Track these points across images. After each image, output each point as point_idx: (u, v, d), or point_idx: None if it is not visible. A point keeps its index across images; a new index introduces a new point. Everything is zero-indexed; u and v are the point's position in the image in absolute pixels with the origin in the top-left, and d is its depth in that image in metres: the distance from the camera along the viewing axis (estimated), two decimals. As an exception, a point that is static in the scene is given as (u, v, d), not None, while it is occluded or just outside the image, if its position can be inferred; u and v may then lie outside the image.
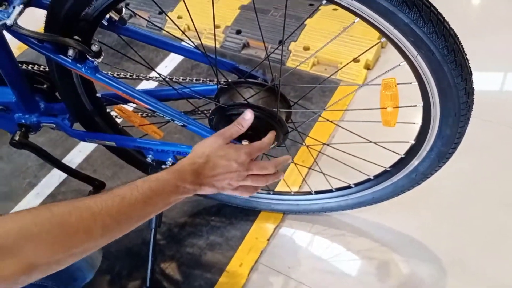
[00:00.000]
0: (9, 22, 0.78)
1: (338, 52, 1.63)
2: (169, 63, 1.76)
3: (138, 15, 1.90)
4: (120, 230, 0.65)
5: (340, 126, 1.02)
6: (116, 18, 0.85)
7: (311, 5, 1.81)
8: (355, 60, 1.58)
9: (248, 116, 0.82)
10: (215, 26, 1.82)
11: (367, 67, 1.60)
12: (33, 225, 0.55)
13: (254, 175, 0.80)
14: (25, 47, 1.89)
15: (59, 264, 0.58)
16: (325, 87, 1.56)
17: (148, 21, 1.89)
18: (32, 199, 1.42)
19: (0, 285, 0.52)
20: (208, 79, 0.99)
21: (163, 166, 1.01)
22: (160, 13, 1.88)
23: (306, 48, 1.67)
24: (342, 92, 1.56)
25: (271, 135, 0.85)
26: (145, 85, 1.64)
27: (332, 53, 1.63)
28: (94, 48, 0.80)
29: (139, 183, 0.67)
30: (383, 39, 0.69)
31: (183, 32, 0.86)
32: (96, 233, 0.60)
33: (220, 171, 0.75)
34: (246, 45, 1.76)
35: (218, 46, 1.77)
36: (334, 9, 1.75)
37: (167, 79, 0.96)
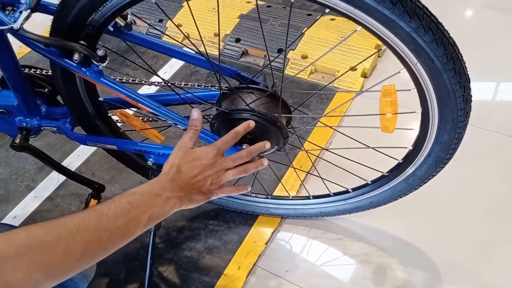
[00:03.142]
0: (15, 26, 0.79)
1: (336, 60, 1.65)
2: (169, 69, 1.77)
3: (143, 20, 1.92)
4: (104, 248, 0.61)
5: (339, 132, 1.04)
6: (122, 24, 0.87)
7: (309, 15, 1.84)
8: (352, 68, 1.61)
9: (195, 116, 0.82)
10: (215, 35, 1.84)
11: (364, 76, 1.63)
12: (9, 246, 0.53)
13: (233, 168, 0.80)
14: (24, 52, 1.92)
15: (39, 285, 0.55)
16: (323, 95, 1.58)
17: (150, 25, 1.90)
18: (30, 202, 1.42)
19: None
20: (209, 85, 1.00)
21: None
22: (160, 20, 1.90)
23: (304, 57, 1.69)
24: (339, 99, 1.58)
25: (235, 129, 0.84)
26: (145, 90, 1.66)
27: (330, 61, 1.66)
28: (100, 52, 0.81)
29: (116, 198, 0.65)
30: (384, 47, 0.71)
31: (188, 38, 0.87)
32: (76, 252, 0.57)
33: (196, 172, 0.74)
34: (245, 53, 1.79)
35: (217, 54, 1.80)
36: (332, 19, 1.78)
37: (169, 84, 0.97)
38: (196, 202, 0.76)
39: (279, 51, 1.73)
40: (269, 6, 1.93)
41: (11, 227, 0.90)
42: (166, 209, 0.69)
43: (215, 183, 0.78)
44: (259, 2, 1.96)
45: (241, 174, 0.82)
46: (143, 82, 1.03)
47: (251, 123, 0.85)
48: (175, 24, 0.91)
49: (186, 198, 0.73)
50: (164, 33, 1.84)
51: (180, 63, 1.80)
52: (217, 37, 1.84)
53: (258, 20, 1.85)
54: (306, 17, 1.83)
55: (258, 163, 0.85)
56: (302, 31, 1.75)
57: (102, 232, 0.60)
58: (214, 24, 1.87)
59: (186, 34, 1.82)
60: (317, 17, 1.80)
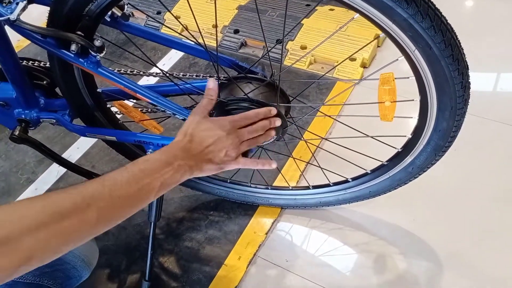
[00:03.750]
0: (12, 17, 0.79)
1: (335, 51, 1.65)
2: (167, 61, 1.77)
3: (141, 11, 1.91)
4: (117, 214, 0.64)
5: (338, 121, 1.04)
6: (119, 14, 0.86)
7: (308, 5, 1.83)
8: (352, 58, 1.61)
9: (211, 85, 0.82)
10: (213, 26, 1.84)
11: (363, 66, 1.62)
12: (27, 215, 0.55)
13: (248, 140, 0.80)
14: (23, 45, 1.92)
15: (57, 252, 0.58)
16: (322, 85, 1.58)
17: (149, 16, 1.89)
18: (30, 194, 1.43)
19: (1, 275, 0.53)
20: (208, 75, 1.00)
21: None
22: (158, 13, 1.90)
23: (303, 47, 1.69)
24: (339, 89, 1.58)
25: (259, 109, 0.84)
26: (143, 82, 1.66)
27: (329, 52, 1.65)
28: (97, 43, 0.81)
29: (129, 165, 0.67)
30: (382, 35, 0.71)
31: (186, 29, 0.87)
32: (91, 218, 0.60)
33: (209, 143, 0.74)
34: (243, 44, 1.78)
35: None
36: (331, 9, 1.78)
37: (168, 74, 0.97)
38: (208, 171, 0.76)
39: (278, 41, 1.72)
40: (267, -3, 1.92)
41: None
42: (177, 177, 0.70)
43: (229, 155, 0.77)
44: (258, -7, 1.95)
45: (251, 146, 0.82)
46: (141, 73, 1.02)
47: (273, 110, 0.84)
48: (173, 16, 0.91)
49: (197, 167, 0.74)
50: (163, 24, 1.83)
51: (179, 55, 1.79)
52: (215, 29, 1.83)
53: (257, 11, 1.84)
54: (304, 8, 1.82)
55: (266, 134, 0.84)
56: (301, 22, 1.75)
57: (116, 199, 0.62)
58: (212, 15, 1.86)
59: (184, 25, 1.83)
60: (315, 7, 1.79)
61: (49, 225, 0.56)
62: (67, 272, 0.92)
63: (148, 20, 1.92)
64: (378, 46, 1.69)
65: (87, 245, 0.99)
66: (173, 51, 1.79)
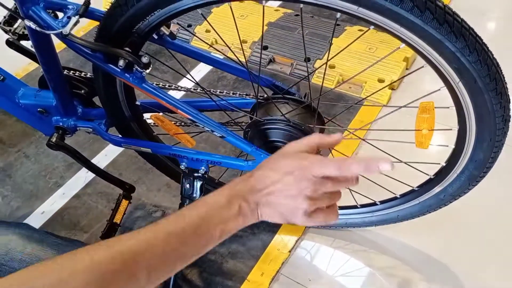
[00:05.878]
0: (65, 31, 0.82)
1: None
2: (196, 74, 1.80)
3: (179, 25, 1.95)
4: (170, 270, 0.56)
5: (372, 145, 1.05)
6: (166, 33, 0.89)
7: (337, 25, 1.85)
8: (380, 80, 1.61)
9: (336, 137, 0.64)
10: (243, 41, 1.86)
11: (391, 88, 1.63)
12: (72, 276, 0.50)
13: (324, 199, 0.60)
14: (57, 51, 1.96)
15: None
16: (349, 105, 1.59)
17: (181, 27, 1.93)
18: (57, 199, 1.45)
19: None
20: (245, 93, 1.02)
21: (195, 174, 1.05)
22: (188, 25, 1.93)
23: (331, 67, 1.70)
24: (366, 110, 1.58)
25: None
26: (172, 94, 1.69)
27: (357, 72, 1.66)
28: (144, 59, 0.84)
29: (185, 211, 0.58)
30: (425, 65, 0.72)
31: (231, 50, 0.90)
32: (141, 279, 0.53)
33: (268, 183, 0.59)
34: (272, 61, 1.80)
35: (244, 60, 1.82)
36: (360, 30, 1.79)
37: (206, 90, 0.99)
38: (268, 217, 0.61)
39: (306, 60, 1.74)
40: (297, 15, 1.94)
41: (30, 228, 0.86)
42: (239, 221, 0.60)
43: (298, 206, 0.59)
44: (287, 11, 1.97)
45: (328, 220, 0.62)
46: (179, 88, 1.05)
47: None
48: (213, 29, 0.94)
49: (257, 211, 0.61)
50: (194, 35, 1.86)
51: (207, 68, 1.82)
52: (244, 44, 1.86)
53: (286, 29, 1.86)
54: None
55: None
56: (330, 41, 1.77)
57: (169, 254, 0.55)
58: (241, 31, 1.89)
59: (213, 39, 1.85)
60: (345, 27, 1.80)
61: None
62: None
63: (179, 33, 1.95)
64: (407, 69, 1.70)
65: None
66: (202, 64, 1.82)
